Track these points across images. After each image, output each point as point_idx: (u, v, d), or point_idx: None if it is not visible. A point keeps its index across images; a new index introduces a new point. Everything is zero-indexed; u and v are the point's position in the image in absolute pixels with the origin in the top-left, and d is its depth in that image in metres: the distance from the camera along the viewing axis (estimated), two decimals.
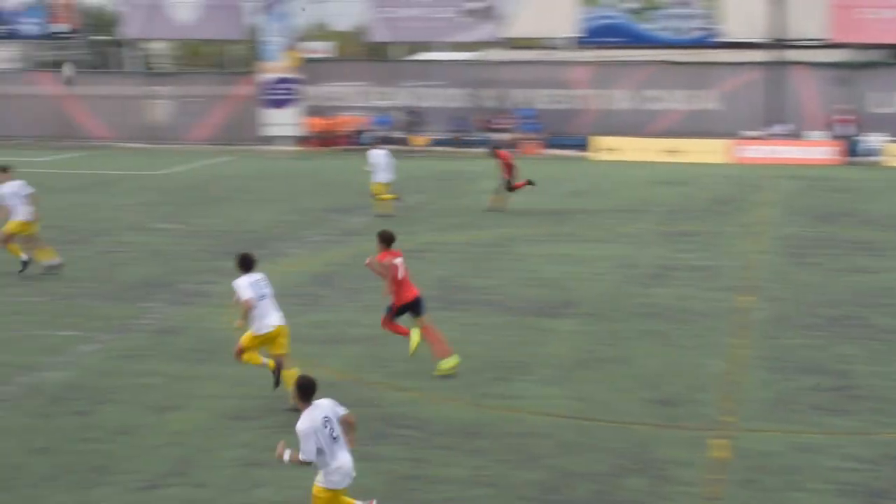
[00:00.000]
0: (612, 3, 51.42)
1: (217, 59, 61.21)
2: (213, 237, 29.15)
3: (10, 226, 24.33)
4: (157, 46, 69.24)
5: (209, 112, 55.15)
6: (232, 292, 15.65)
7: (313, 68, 54.18)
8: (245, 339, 15.64)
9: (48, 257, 24.79)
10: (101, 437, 14.66)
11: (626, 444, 14.37)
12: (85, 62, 59.75)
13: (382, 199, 32.26)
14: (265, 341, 15.60)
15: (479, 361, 17.89)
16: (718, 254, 26.95)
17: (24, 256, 24.45)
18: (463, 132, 52.02)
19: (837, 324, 20.33)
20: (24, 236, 24.53)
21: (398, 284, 17.23)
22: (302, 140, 53.22)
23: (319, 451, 10.92)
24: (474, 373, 17.30)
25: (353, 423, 11.43)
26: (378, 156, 32.35)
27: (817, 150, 47.09)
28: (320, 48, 58.07)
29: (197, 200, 35.91)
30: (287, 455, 11.01)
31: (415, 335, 17.28)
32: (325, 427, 10.98)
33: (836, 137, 47.58)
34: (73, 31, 57.54)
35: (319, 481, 11.14)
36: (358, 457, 12.52)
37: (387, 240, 17.38)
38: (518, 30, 54.07)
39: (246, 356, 15.72)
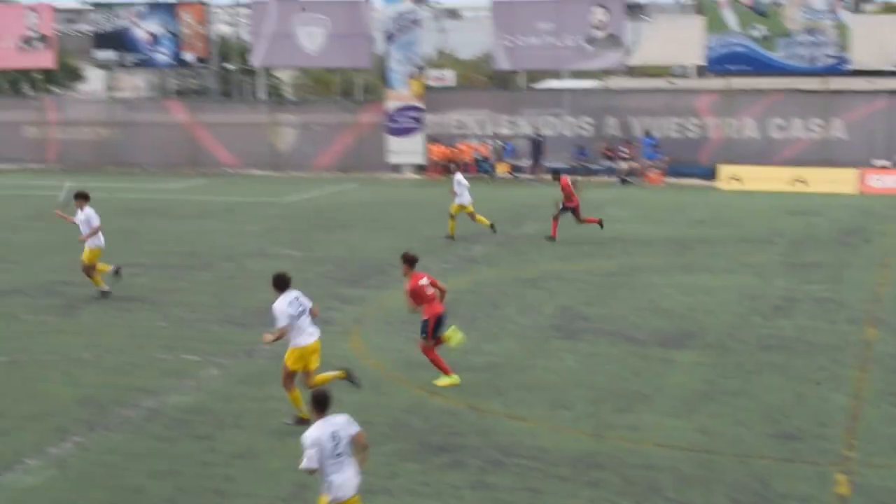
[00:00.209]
0: (738, 30, 50.94)
1: (343, 87, 61.84)
2: (334, 264, 29.38)
3: (89, 254, 25.12)
4: (285, 75, 70.35)
5: (334, 140, 55.70)
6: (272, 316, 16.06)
7: (436, 96, 54.52)
8: (287, 356, 16.11)
9: (100, 283, 25.47)
10: (222, 461, 14.82)
11: (746, 477, 14.12)
12: (214, 90, 60.92)
13: (476, 218, 33.68)
14: (303, 355, 16.05)
15: (599, 392, 17.76)
16: (844, 285, 26.44)
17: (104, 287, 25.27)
18: (585, 160, 51.88)
19: None
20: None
21: (427, 302, 17.90)
22: (425, 168, 53.54)
23: (319, 463, 11.02)
24: (594, 403, 17.16)
25: (364, 444, 11.44)
26: (462, 180, 33.50)
27: None
28: (444, 76, 58.36)
29: (319, 227, 36.24)
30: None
31: (453, 333, 18.18)
32: (331, 441, 11.04)
33: None
34: (203, 60, 58.61)
35: (325, 497, 11.19)
36: (472, 485, 12.48)
37: (410, 261, 18.09)
38: (642, 57, 53.79)
39: (290, 394, 16.25)
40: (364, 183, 50.69)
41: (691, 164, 50.66)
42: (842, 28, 49.84)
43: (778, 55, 50.56)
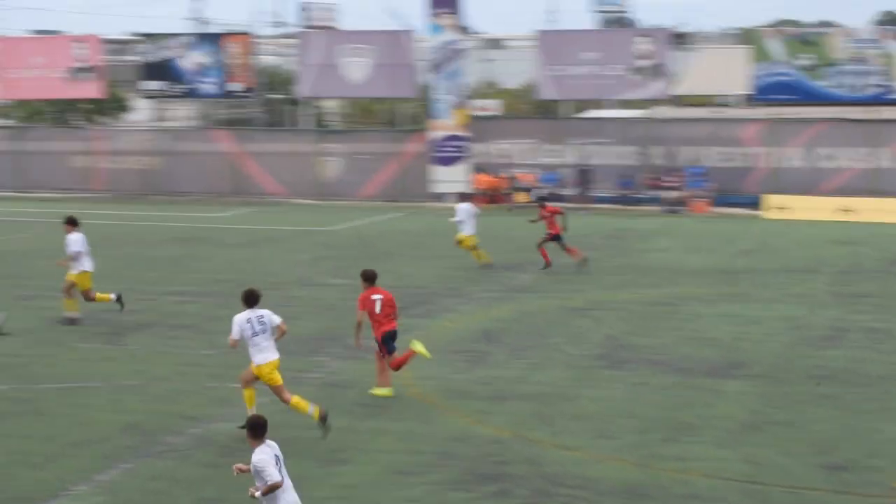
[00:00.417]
0: (785, 59, 50.83)
1: (387, 116, 62.08)
2: None
3: (74, 277, 25.32)
4: (330, 105, 70.67)
5: (379, 169, 55.88)
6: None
7: (481, 126, 54.64)
8: (246, 371, 17.19)
9: (71, 309, 25.58)
10: None
11: None
12: (260, 120, 61.30)
13: (474, 252, 33.27)
14: (260, 373, 16.97)
15: (646, 421, 17.69)
16: (893, 315, 26.23)
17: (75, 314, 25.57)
18: (631, 190, 51.83)
19: None
20: (75, 286, 25.45)
21: (376, 319, 18.88)
22: (470, 197, 53.47)
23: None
24: (641, 433, 17.10)
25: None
26: (463, 209, 33.26)
27: None
28: (489, 106, 58.48)
29: (365, 256, 36.26)
30: (258, 493, 11.34)
31: (416, 345, 18.86)
32: (278, 464, 11.47)
33: None
34: (249, 91, 58.98)
35: None
36: None
37: (368, 278, 19.32)
38: (688, 87, 53.77)
39: (293, 402, 17.10)
40: (410, 212, 50.80)
41: (737, 193, 50.51)
42: (888, 58, 49.67)
43: (824, 84, 50.42)
